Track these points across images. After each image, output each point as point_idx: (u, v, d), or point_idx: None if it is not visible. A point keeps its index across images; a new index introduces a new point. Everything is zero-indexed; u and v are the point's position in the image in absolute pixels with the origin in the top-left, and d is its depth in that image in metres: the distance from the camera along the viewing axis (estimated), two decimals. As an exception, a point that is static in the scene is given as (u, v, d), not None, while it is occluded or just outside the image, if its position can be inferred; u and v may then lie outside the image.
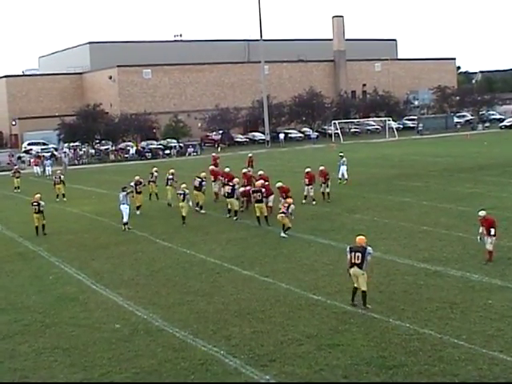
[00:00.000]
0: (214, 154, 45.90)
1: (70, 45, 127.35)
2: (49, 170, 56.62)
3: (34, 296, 19.27)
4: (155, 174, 37.44)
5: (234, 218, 29.53)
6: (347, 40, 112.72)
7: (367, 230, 25.99)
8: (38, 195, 29.44)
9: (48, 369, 13.83)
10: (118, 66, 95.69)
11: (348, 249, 16.79)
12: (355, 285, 16.64)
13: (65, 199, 38.94)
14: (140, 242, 26.25)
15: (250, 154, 45.93)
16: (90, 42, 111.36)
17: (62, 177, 40.65)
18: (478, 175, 40.69)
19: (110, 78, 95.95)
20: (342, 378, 12.67)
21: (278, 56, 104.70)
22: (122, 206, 28.74)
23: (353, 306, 16.57)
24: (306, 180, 32.90)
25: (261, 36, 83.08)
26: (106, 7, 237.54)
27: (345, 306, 16.69)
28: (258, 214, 27.80)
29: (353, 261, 16.45)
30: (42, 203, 28.89)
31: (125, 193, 29.06)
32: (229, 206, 30.11)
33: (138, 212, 32.00)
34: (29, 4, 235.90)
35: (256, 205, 27.88)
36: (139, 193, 32.61)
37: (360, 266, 16.36)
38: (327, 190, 33.37)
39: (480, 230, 20.54)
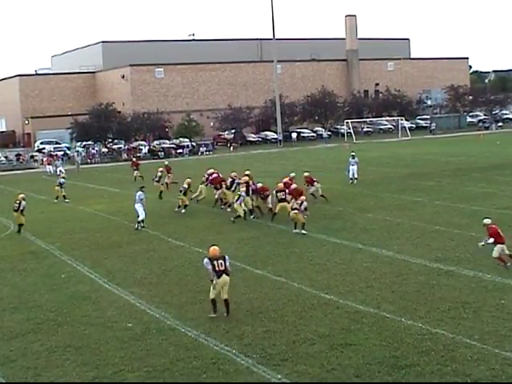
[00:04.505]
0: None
1: (82, 44, 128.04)
2: (60, 169, 56.58)
3: (46, 295, 19.32)
4: (159, 173, 38.14)
5: (251, 216, 29.64)
6: (360, 39, 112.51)
7: (380, 230, 26.05)
8: (22, 195, 30.15)
9: (60, 367, 13.87)
10: (131, 65, 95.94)
11: (207, 260, 16.54)
12: (213, 296, 16.44)
13: (67, 200, 38.37)
14: (152, 241, 26.29)
15: (166, 162, 45.72)
16: (102, 41, 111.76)
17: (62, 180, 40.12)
18: (491, 175, 40.51)
19: (123, 77, 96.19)
20: (354, 378, 12.65)
21: (290, 55, 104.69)
22: (136, 205, 28.83)
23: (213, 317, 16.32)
24: (305, 184, 33.30)
25: (273, 35, 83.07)
26: (118, 6, 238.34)
27: (357, 306, 16.65)
28: (276, 211, 28.40)
29: (217, 268, 16.35)
30: (24, 203, 29.51)
31: (142, 192, 29.17)
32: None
33: (183, 211, 32.04)
34: (42, 3, 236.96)
35: (280, 204, 28.21)
36: (185, 194, 32.56)
37: (227, 272, 16.45)
38: (320, 192, 33.31)
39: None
